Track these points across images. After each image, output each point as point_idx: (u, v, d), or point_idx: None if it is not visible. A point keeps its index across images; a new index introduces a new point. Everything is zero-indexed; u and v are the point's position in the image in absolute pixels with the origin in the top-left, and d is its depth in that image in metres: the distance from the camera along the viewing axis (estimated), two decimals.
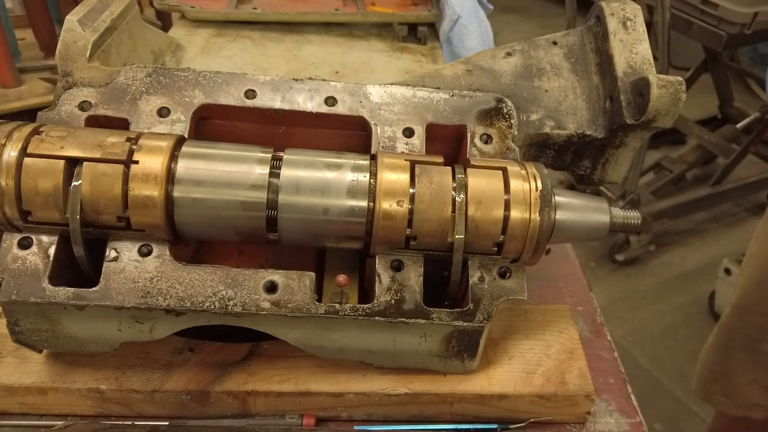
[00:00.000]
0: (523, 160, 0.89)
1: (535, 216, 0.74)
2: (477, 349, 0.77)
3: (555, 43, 0.94)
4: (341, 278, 0.72)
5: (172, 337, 0.80)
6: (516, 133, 0.84)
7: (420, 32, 1.41)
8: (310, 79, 1.04)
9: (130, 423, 0.79)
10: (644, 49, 0.85)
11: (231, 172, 0.73)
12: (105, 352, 0.76)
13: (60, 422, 0.79)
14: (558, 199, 0.77)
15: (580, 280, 1.05)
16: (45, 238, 0.72)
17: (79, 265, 0.73)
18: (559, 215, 0.76)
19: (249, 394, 0.78)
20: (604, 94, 0.88)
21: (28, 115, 2.08)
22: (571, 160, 0.91)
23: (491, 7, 1.63)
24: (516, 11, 6.71)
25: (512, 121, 0.84)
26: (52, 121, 0.77)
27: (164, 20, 2.11)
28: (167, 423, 0.79)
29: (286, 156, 0.75)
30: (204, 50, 1.22)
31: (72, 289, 0.70)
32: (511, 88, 0.89)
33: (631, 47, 0.86)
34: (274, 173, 0.74)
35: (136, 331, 0.73)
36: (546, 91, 0.90)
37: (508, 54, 0.92)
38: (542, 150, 0.89)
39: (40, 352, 0.79)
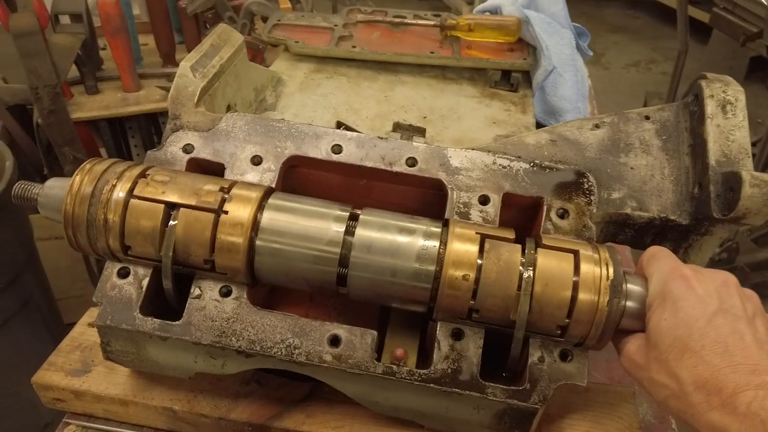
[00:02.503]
0: (600, 235, 0.88)
1: (604, 305, 0.73)
2: (529, 427, 0.77)
3: (647, 117, 0.92)
4: (399, 352, 0.75)
5: None
6: (595, 210, 0.83)
7: (513, 78, 1.41)
8: (398, 124, 1.08)
9: None
10: (742, 137, 0.82)
11: (309, 227, 0.77)
12: (181, 378, 0.83)
13: None
14: (629, 287, 0.75)
15: None
16: (141, 270, 0.79)
17: (167, 296, 0.80)
18: (630, 304, 0.75)
19: None
20: (693, 179, 0.85)
21: (144, 118, 2.27)
22: (651, 241, 0.88)
23: (590, 53, 1.60)
24: (626, 31, 6.43)
25: (592, 197, 0.83)
26: (159, 160, 0.85)
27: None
28: None
29: (362, 216, 0.79)
30: (302, 86, 1.29)
31: (158, 321, 0.77)
32: (595, 163, 0.88)
33: (728, 134, 0.82)
34: (349, 231, 0.77)
35: (209, 365, 0.79)
36: (632, 168, 0.88)
37: (596, 126, 0.91)
38: (621, 228, 0.87)
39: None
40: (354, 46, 1.38)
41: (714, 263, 3.06)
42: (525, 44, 1.45)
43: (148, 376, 0.87)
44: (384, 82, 1.35)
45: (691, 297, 0.68)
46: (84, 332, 0.95)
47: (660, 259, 0.74)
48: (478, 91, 1.37)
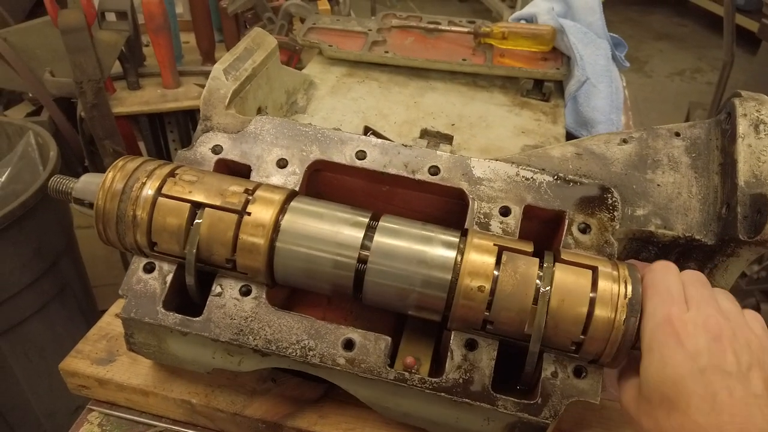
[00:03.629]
0: (623, 252, 0.87)
1: (620, 322, 0.72)
2: None
3: (678, 134, 0.90)
4: (409, 360, 0.75)
5: None
6: (617, 226, 0.82)
7: (545, 87, 1.40)
8: (426, 131, 1.08)
9: None
10: None
11: (328, 231, 0.78)
12: (200, 372, 0.85)
13: (156, 423, 0.90)
14: None
15: None
16: (166, 266, 0.82)
17: (189, 293, 0.82)
18: None
19: None
20: (722, 199, 0.83)
21: (182, 114, 2.33)
22: (675, 260, 0.87)
23: (627, 64, 1.58)
24: (671, 39, 6.28)
25: (615, 213, 0.82)
26: (189, 160, 0.88)
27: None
28: None
29: (381, 223, 0.79)
30: (333, 90, 1.31)
31: (179, 316, 0.79)
32: (621, 178, 0.87)
33: (760, 154, 0.80)
34: (368, 237, 0.78)
35: (226, 362, 0.81)
36: (658, 185, 0.87)
37: (624, 141, 0.90)
38: (644, 246, 0.86)
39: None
40: (386, 51, 1.39)
41: (753, 281, 2.96)
42: (559, 54, 1.44)
43: (169, 369, 0.90)
44: (415, 88, 1.35)
45: (678, 353, 0.64)
46: (111, 322, 0.98)
47: (654, 294, 0.70)
48: (509, 99, 1.36)
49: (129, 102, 2.15)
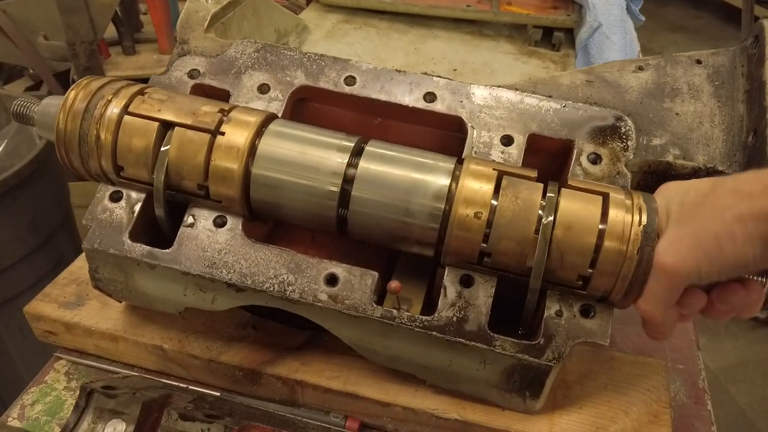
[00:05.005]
0: (638, 187, 0.79)
1: (633, 253, 0.64)
2: (542, 389, 0.69)
3: (699, 62, 0.82)
4: (393, 284, 0.68)
5: (237, 311, 0.81)
6: (631, 157, 0.74)
7: (555, 37, 1.31)
8: (425, 74, 1.01)
9: (184, 386, 0.81)
10: None
11: (308, 155, 0.71)
12: (172, 313, 0.78)
13: (126, 371, 0.83)
14: None
15: (688, 335, 0.92)
16: (134, 195, 0.75)
17: (159, 223, 0.75)
18: None
19: (298, 383, 0.77)
20: (748, 127, 0.75)
21: None
22: None
23: (643, 18, 1.49)
24: (687, 31, 6.13)
25: (629, 143, 0.74)
26: (163, 84, 0.81)
27: None
28: (218, 394, 0.80)
29: (368, 148, 0.72)
30: (329, 35, 1.23)
31: (147, 248, 0.72)
32: (636, 106, 0.79)
33: None
34: (352, 163, 0.71)
35: (199, 299, 0.74)
36: (677, 114, 0.78)
37: (640, 68, 0.82)
38: (662, 180, 0.77)
39: (120, 301, 0.83)
40: None
41: None
42: (570, 2, 1.35)
43: (141, 314, 0.83)
44: (415, 35, 1.27)
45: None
46: (83, 266, 0.91)
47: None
48: (516, 48, 1.28)
49: (124, 66, 2.09)
